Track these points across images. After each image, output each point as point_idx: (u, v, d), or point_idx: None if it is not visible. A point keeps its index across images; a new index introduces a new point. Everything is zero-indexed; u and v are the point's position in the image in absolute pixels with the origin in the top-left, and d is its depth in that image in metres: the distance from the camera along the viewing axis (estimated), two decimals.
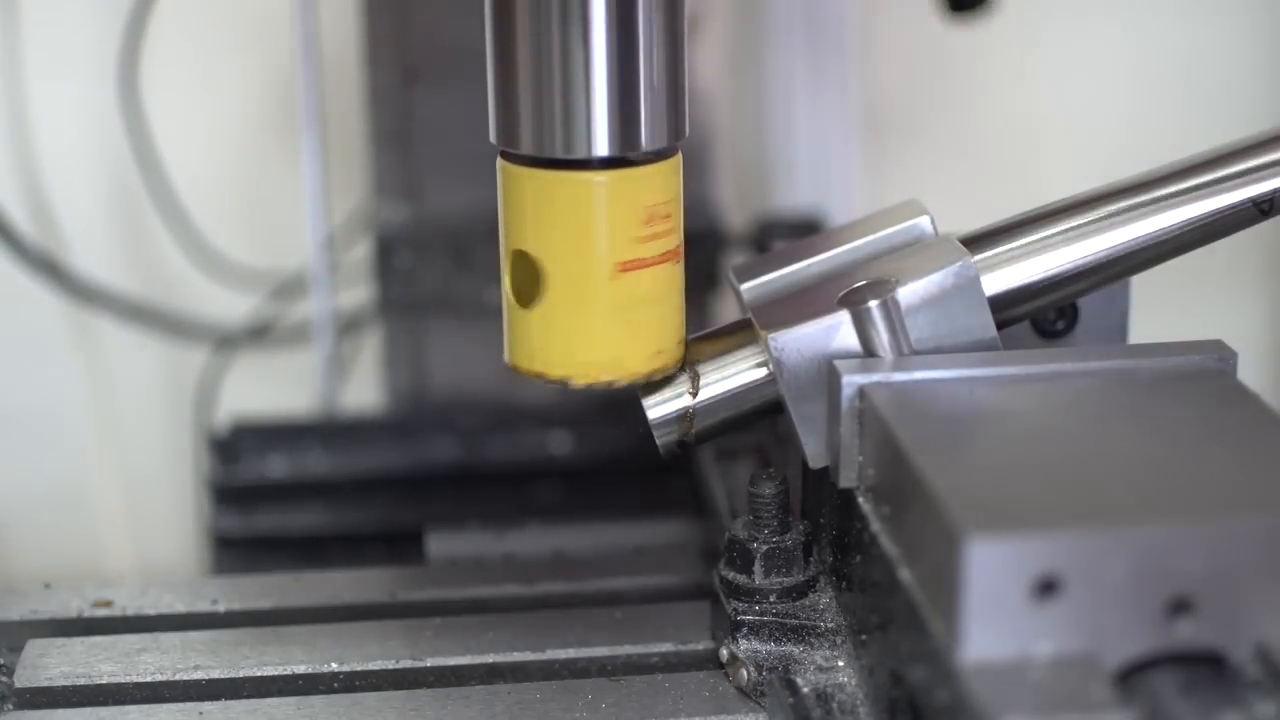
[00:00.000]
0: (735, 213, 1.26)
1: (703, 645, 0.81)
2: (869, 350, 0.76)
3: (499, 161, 0.77)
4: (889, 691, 0.70)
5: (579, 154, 0.75)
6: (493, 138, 0.77)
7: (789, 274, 0.82)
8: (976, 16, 1.05)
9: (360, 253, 1.25)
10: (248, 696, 0.79)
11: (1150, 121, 1.38)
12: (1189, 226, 0.78)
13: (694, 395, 0.80)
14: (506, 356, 0.79)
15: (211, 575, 1.06)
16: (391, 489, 1.11)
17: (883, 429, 0.71)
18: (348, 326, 1.28)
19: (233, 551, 1.08)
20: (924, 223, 0.82)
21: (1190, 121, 1.38)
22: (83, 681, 0.79)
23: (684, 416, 0.80)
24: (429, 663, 0.80)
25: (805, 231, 1.09)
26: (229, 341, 1.30)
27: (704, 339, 0.82)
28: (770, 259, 0.84)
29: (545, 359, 0.78)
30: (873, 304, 0.75)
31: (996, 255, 0.78)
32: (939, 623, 0.64)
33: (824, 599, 0.78)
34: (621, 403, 0.81)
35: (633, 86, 0.74)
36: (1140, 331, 0.84)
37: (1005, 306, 0.78)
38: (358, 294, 1.27)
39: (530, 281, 0.77)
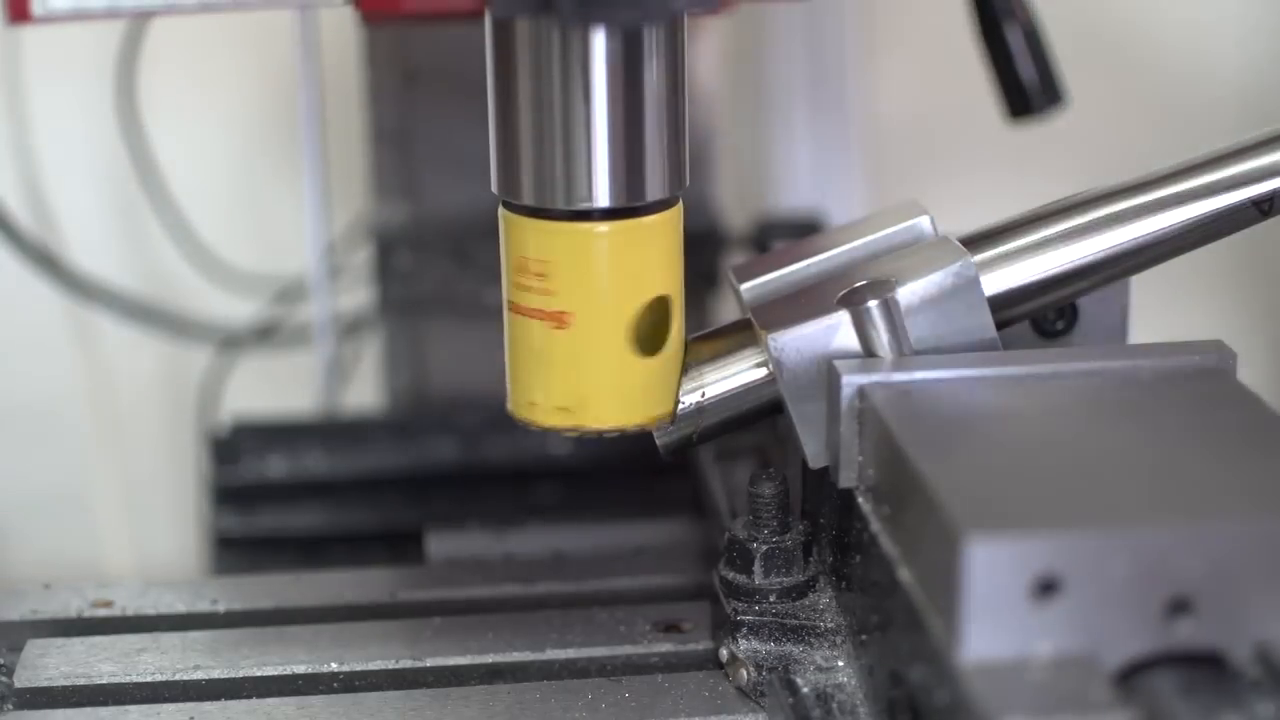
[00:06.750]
0: (735, 213, 1.26)
1: (703, 645, 0.81)
2: (869, 350, 0.76)
3: (500, 211, 0.78)
4: (889, 691, 0.70)
5: (580, 205, 0.75)
6: (494, 188, 0.77)
7: (789, 274, 0.82)
8: (1043, 119, 1.04)
9: (361, 254, 1.25)
10: (248, 696, 0.79)
11: (1149, 123, 1.38)
12: (1189, 226, 0.78)
13: (694, 395, 0.80)
14: (509, 407, 0.80)
15: (211, 575, 1.06)
16: (391, 489, 1.11)
17: (883, 429, 0.71)
18: (349, 328, 1.28)
19: (233, 551, 1.08)
20: (924, 223, 0.82)
21: (1188, 122, 1.38)
22: (83, 681, 0.79)
23: (684, 417, 0.80)
24: (429, 663, 0.80)
25: (805, 232, 1.09)
26: (232, 342, 1.30)
27: (704, 339, 0.82)
28: (770, 259, 0.84)
29: (546, 409, 0.78)
30: (872, 304, 0.75)
31: (996, 255, 0.78)
32: (939, 623, 0.64)
33: (824, 599, 0.78)
34: None
35: (634, 138, 0.75)
36: (1140, 331, 0.84)
37: (1005, 306, 0.78)
38: (359, 295, 1.27)
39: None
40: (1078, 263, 0.78)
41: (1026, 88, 1.03)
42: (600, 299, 0.76)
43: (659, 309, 0.78)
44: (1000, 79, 1.04)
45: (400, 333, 1.19)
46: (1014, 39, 1.03)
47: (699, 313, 1.15)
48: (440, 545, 0.99)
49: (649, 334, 0.78)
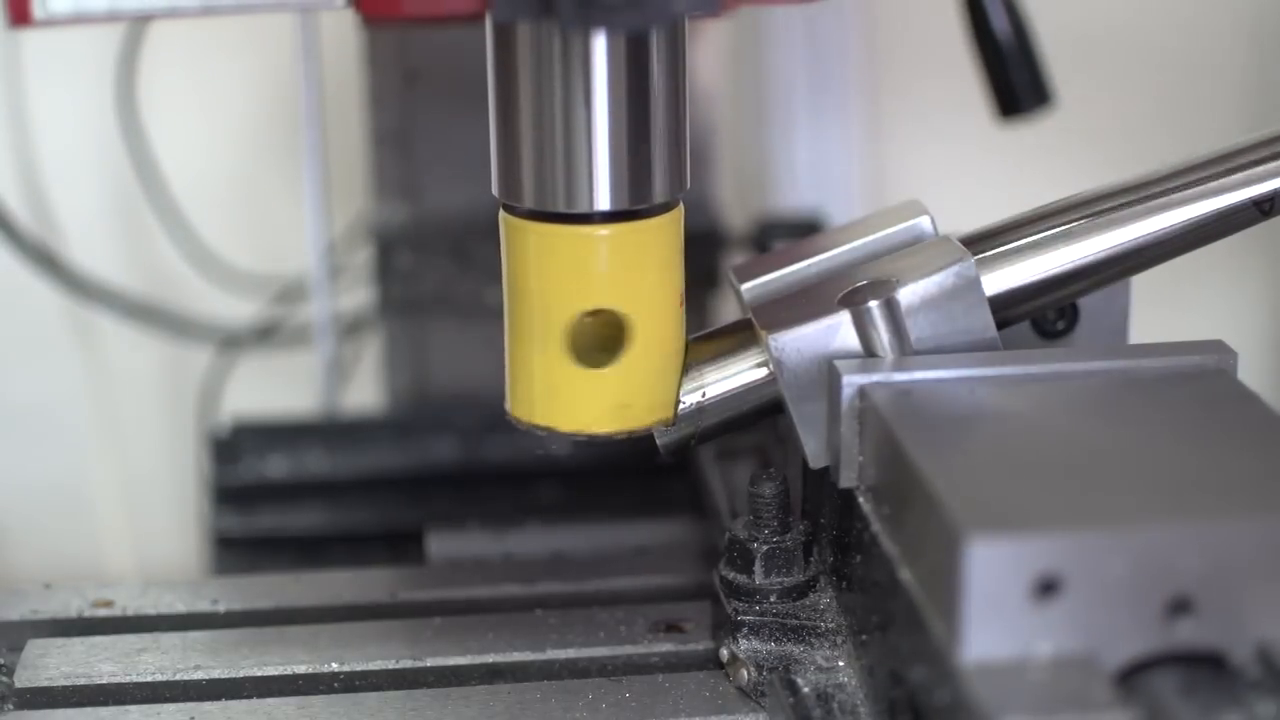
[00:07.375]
0: (735, 213, 1.26)
1: (703, 645, 0.81)
2: (869, 350, 0.76)
3: (501, 214, 0.78)
4: (889, 691, 0.70)
5: (580, 208, 0.75)
6: (495, 191, 0.77)
7: (789, 274, 0.82)
8: (1031, 119, 1.06)
9: (361, 254, 1.25)
10: (248, 696, 0.79)
11: (1149, 123, 1.38)
12: (1189, 226, 0.78)
13: (694, 395, 0.80)
14: (509, 408, 0.80)
15: (211, 575, 1.06)
16: (392, 489, 1.11)
17: (883, 429, 0.71)
18: (349, 328, 1.28)
19: (233, 551, 1.08)
20: (924, 223, 0.82)
21: (1188, 122, 1.38)
22: (83, 681, 0.79)
23: (684, 417, 0.80)
24: (429, 663, 0.80)
25: (805, 231, 1.09)
26: (232, 342, 1.30)
27: (704, 339, 0.82)
28: (770, 259, 0.84)
29: (547, 411, 0.78)
30: (873, 304, 0.75)
31: (996, 255, 0.78)
32: (939, 623, 0.64)
33: (824, 599, 0.78)
34: None
35: (635, 141, 0.75)
36: (1140, 331, 0.84)
37: (1005, 306, 0.78)
38: (359, 295, 1.27)
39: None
40: (1078, 263, 0.78)
41: (1015, 88, 1.04)
42: (530, 302, 0.77)
43: (613, 323, 0.77)
44: (990, 79, 1.05)
45: (400, 333, 1.19)
46: (1004, 40, 1.04)
47: (699, 313, 1.15)
48: (440, 545, 0.99)
49: (597, 345, 0.78)
